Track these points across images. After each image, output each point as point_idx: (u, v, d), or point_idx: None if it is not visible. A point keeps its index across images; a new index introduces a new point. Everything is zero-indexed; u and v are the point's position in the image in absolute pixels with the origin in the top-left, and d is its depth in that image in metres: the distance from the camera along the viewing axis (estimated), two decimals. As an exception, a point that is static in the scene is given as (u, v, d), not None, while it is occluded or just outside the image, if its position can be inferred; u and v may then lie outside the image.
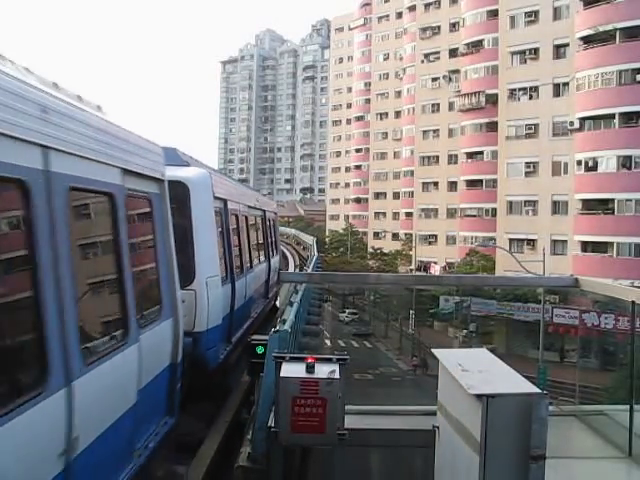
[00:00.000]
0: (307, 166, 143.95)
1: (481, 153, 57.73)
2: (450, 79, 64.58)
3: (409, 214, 72.12)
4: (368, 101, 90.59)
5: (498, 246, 46.23)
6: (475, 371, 4.84)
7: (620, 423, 6.19)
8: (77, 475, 3.57)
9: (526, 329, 39.19)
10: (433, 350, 5.68)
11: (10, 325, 3.19)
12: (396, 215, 79.00)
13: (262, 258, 14.13)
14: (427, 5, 70.04)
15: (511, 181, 50.03)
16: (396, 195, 79.70)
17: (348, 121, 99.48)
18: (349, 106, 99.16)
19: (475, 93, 57.90)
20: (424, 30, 69.13)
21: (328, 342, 25.80)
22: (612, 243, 41.15)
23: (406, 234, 72.39)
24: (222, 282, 8.85)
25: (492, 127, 54.26)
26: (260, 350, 7.69)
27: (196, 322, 7.78)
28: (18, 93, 3.29)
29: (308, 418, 5.17)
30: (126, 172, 4.86)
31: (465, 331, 42.43)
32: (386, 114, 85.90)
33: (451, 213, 63.22)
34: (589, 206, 42.76)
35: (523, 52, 50.29)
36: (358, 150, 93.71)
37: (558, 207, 47.14)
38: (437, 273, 57.08)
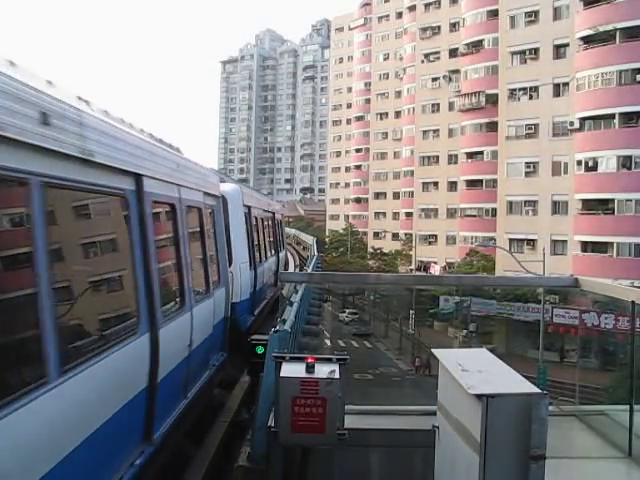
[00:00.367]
0: (307, 166, 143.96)
1: (481, 153, 57.73)
2: (450, 79, 64.59)
3: (409, 214, 72.12)
4: (368, 101, 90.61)
5: (498, 246, 46.23)
6: (475, 371, 4.84)
7: (620, 423, 6.19)
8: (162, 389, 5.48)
9: (526, 329, 39.24)
10: (433, 350, 5.69)
11: (131, 290, 5.11)
12: (396, 215, 79.00)
13: (273, 252, 17.27)
14: (427, 5, 70.05)
15: (511, 181, 50.04)
16: (396, 195, 79.71)
17: (348, 121, 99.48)
18: (349, 106, 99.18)
19: (475, 93, 57.91)
20: (424, 30, 69.14)
21: (328, 342, 25.82)
22: (612, 243, 41.15)
23: (406, 234, 72.39)
24: (249, 267, 11.70)
25: (492, 127, 54.26)
26: (260, 350, 7.70)
27: (233, 295, 9.74)
28: (136, 144, 5.39)
29: (308, 418, 5.17)
30: (205, 194, 8.01)
31: (465, 331, 42.46)
32: (386, 114, 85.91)
33: (451, 213, 63.23)
34: (589, 206, 42.76)
35: (523, 52, 50.30)
36: (358, 150, 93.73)
37: (558, 207, 47.14)
38: (437, 273, 57.07)
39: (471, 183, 58.51)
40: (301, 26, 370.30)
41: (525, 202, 49.48)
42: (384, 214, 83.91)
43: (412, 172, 70.90)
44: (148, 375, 5.17)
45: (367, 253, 77.19)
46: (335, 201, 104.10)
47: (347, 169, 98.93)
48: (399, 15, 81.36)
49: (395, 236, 76.77)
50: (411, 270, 64.71)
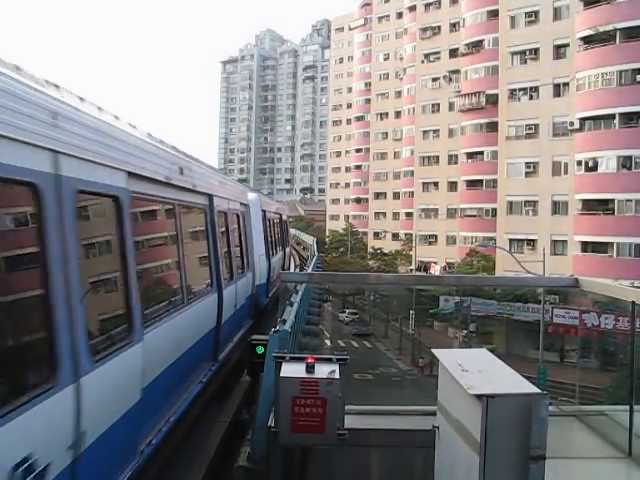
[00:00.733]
0: (307, 166, 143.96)
1: (481, 153, 57.72)
2: (450, 79, 64.58)
3: (409, 214, 72.11)
4: (368, 101, 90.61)
5: (498, 246, 46.22)
6: (475, 371, 4.84)
7: (620, 423, 6.19)
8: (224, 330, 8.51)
9: (526, 329, 39.22)
10: (433, 350, 5.69)
11: (209, 267, 8.23)
12: (396, 215, 79.00)
13: (280, 248, 20.03)
14: (427, 5, 70.03)
15: (511, 181, 50.03)
16: (396, 195, 79.71)
17: (348, 121, 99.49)
18: (349, 106, 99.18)
19: (475, 93, 57.90)
20: (424, 30, 69.13)
21: (328, 342, 25.81)
22: (612, 243, 41.14)
23: (406, 234, 72.39)
24: (268, 257, 15.00)
25: (492, 127, 54.26)
26: (260, 350, 7.71)
27: (254, 279, 12.54)
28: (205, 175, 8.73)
29: (308, 418, 5.17)
30: (240, 203, 11.57)
31: (465, 331, 42.44)
32: (386, 114, 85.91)
33: (451, 213, 63.21)
34: (589, 206, 42.75)
35: (523, 52, 50.29)
36: (358, 150, 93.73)
37: (558, 207, 47.14)
38: (437, 273, 57.06)
39: (471, 183, 58.51)
40: (301, 26, 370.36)
41: (525, 202, 49.47)
42: (384, 214, 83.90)
43: (412, 172, 70.89)
44: (216, 319, 8.29)
45: (367, 253, 77.19)
46: (335, 201, 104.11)
47: (347, 169, 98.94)
48: (399, 15, 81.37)
49: (395, 236, 76.78)
50: (411, 270, 64.71)
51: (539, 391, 4.49)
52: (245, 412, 8.88)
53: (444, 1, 68.04)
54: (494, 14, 54.47)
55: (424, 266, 64.05)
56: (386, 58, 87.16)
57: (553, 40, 47.85)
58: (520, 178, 49.39)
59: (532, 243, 48.03)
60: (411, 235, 69.35)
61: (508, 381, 4.75)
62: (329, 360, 5.40)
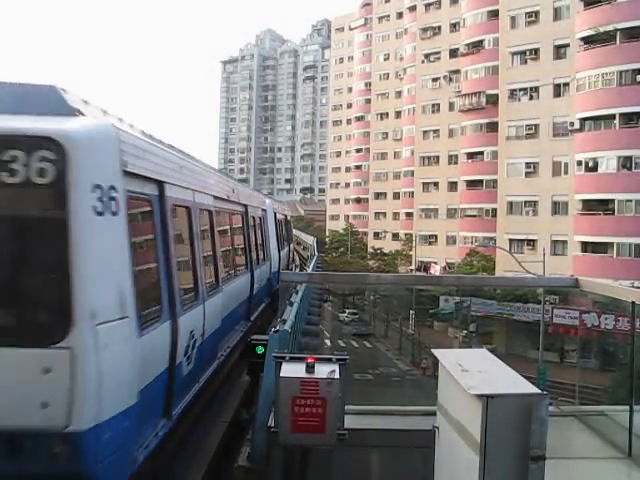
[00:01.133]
0: (307, 166, 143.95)
1: (481, 153, 57.71)
2: (450, 79, 64.58)
3: (409, 214, 72.11)
4: (368, 101, 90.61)
5: (498, 246, 46.22)
6: (475, 371, 4.84)
7: (620, 423, 6.19)
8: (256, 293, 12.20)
9: (526, 329, 39.21)
10: (433, 350, 5.69)
11: (245, 255, 11.63)
12: (396, 215, 79.00)
13: (286, 243, 22.75)
14: (427, 5, 70.02)
15: (511, 181, 50.03)
16: (396, 195, 79.71)
17: (348, 121, 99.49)
18: (349, 106, 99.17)
19: (475, 93, 57.89)
20: (424, 30, 69.13)
21: (328, 342, 25.83)
22: (612, 243, 41.13)
23: (406, 234, 72.38)
24: (279, 250, 17.78)
25: (492, 127, 54.25)
26: (260, 350, 7.71)
27: (271, 267, 15.32)
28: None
29: (308, 418, 5.17)
30: (262, 209, 15.14)
31: (465, 331, 42.44)
32: (386, 114, 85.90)
33: (451, 213, 63.20)
34: (589, 206, 42.74)
35: (523, 52, 50.29)
36: (358, 150, 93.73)
37: (558, 207, 47.13)
38: (437, 273, 57.07)
39: (471, 183, 58.50)
40: (301, 26, 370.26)
41: (525, 202, 49.47)
42: (384, 214, 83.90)
43: (412, 172, 70.89)
44: (249, 291, 11.39)
45: (367, 253, 77.20)
46: (335, 201, 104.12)
47: (347, 169, 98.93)
48: (399, 15, 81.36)
49: (395, 236, 76.77)
50: (411, 270, 64.69)
51: (539, 391, 4.49)
52: (245, 412, 8.87)
53: (444, 1, 68.01)
54: (494, 14, 54.47)
55: (424, 266, 64.05)
56: (386, 58, 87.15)
57: (553, 40, 47.84)
58: (520, 178, 49.38)
59: (532, 243, 48.03)
60: (411, 235, 69.35)
61: (508, 381, 4.75)
62: (329, 360, 5.39)
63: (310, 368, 5.24)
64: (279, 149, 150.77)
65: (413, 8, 72.74)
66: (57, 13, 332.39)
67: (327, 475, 5.86)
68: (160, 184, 5.74)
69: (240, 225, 11.50)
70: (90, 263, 4.23)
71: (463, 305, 43.25)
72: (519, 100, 50.72)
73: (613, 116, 41.39)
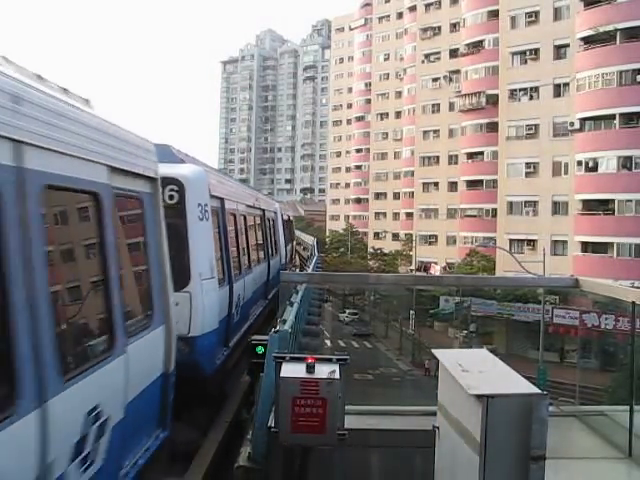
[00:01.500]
0: (307, 166, 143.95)
1: (481, 153, 57.70)
2: (450, 79, 64.57)
3: (409, 214, 72.09)
4: (368, 101, 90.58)
5: (498, 246, 46.22)
6: (475, 371, 4.84)
7: (620, 424, 6.19)
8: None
9: (526, 329, 39.20)
10: (433, 350, 5.68)
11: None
12: (396, 215, 78.99)
13: (289, 240, 26.00)
14: (428, 5, 70.00)
15: (511, 181, 50.02)
16: (396, 195, 79.69)
17: (348, 121, 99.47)
18: (349, 106, 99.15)
19: (475, 93, 57.88)
20: (425, 30, 69.11)
21: (328, 342, 25.79)
22: (612, 244, 41.13)
23: (406, 234, 72.36)
24: (285, 246, 20.91)
25: (492, 127, 54.24)
26: (260, 350, 7.71)
27: (280, 259, 18.22)
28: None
29: (308, 418, 5.17)
30: (274, 212, 18.92)
31: (465, 331, 42.44)
32: (386, 114, 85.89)
33: (451, 213, 63.17)
34: (589, 206, 42.74)
35: (524, 52, 50.28)
36: (358, 150, 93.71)
37: (558, 207, 47.13)
38: (437, 273, 57.06)
39: (471, 183, 58.49)
40: (301, 26, 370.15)
41: (525, 202, 49.46)
42: (384, 214, 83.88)
43: (412, 172, 70.86)
44: (267, 276, 14.61)
45: (367, 253, 77.18)
46: (335, 201, 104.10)
47: (347, 169, 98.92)
48: (399, 15, 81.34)
49: (395, 236, 76.74)
50: (411, 270, 64.67)
51: (539, 391, 4.49)
52: (245, 412, 8.88)
53: (444, 1, 68.00)
54: (494, 14, 54.46)
55: (424, 266, 64.03)
56: (386, 58, 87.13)
57: (553, 40, 47.84)
58: (520, 178, 49.37)
59: (532, 243, 48.02)
60: (411, 235, 69.34)
61: (508, 381, 4.75)
62: (329, 360, 5.39)
63: (310, 368, 5.24)
64: (279, 149, 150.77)
65: (413, 8, 72.72)
66: (58, 13, 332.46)
67: (327, 475, 5.86)
68: (222, 200, 9.56)
69: (260, 225, 15.09)
70: (197, 248, 7.86)
71: (463, 305, 43.25)
72: (519, 100, 50.71)
73: (613, 116, 41.39)
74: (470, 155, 59.21)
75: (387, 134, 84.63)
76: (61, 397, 3.33)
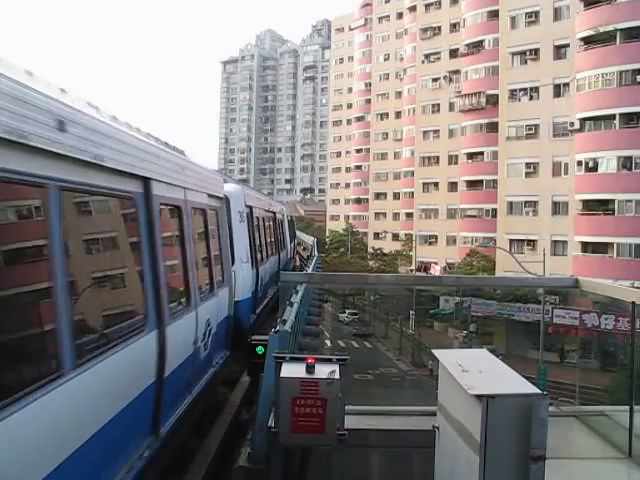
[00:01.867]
0: (307, 166, 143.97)
1: (481, 154, 57.71)
2: (450, 79, 64.58)
3: (409, 214, 72.10)
4: (368, 101, 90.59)
5: (498, 247, 46.22)
6: (475, 371, 4.83)
7: (620, 424, 6.19)
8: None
9: (526, 330, 39.16)
10: (433, 350, 5.68)
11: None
12: (396, 215, 78.99)
13: (292, 239, 28.34)
14: (428, 5, 70.03)
15: (511, 181, 50.04)
16: (396, 195, 79.70)
17: (348, 121, 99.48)
18: (349, 106, 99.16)
19: (475, 94, 57.90)
20: (425, 30, 69.14)
21: (328, 342, 25.81)
22: (612, 244, 41.15)
23: (406, 234, 72.37)
24: (289, 243, 24.73)
25: (492, 128, 54.26)
26: (260, 350, 7.72)
27: (287, 254, 21.82)
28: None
29: (308, 418, 5.16)
30: (282, 214, 23.17)
31: (465, 331, 42.42)
32: (386, 114, 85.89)
33: (451, 214, 63.19)
34: (589, 207, 42.76)
35: (524, 53, 50.31)
36: (358, 150, 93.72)
37: (558, 208, 47.14)
38: (437, 274, 57.06)
39: (471, 184, 58.50)
40: (301, 26, 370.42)
41: (525, 203, 49.48)
42: (384, 214, 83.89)
43: (412, 172, 70.87)
44: (277, 267, 17.93)
45: (367, 253, 77.18)
46: (335, 201, 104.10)
47: (347, 169, 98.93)
48: (399, 15, 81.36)
49: (395, 236, 76.74)
50: (411, 270, 64.68)
51: (539, 391, 4.49)
52: (245, 412, 8.87)
53: (444, 1, 68.03)
54: (494, 14, 54.48)
55: (424, 266, 64.03)
56: (386, 58, 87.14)
57: (553, 40, 47.86)
58: (520, 178, 49.39)
59: (532, 243, 48.03)
60: (411, 235, 69.34)
61: (508, 381, 4.75)
62: (329, 360, 5.38)
63: (310, 368, 5.24)
64: (279, 149, 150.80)
65: (413, 8, 72.74)
66: (58, 13, 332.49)
67: (327, 475, 5.85)
68: (251, 207, 13.02)
69: (272, 225, 18.26)
70: (238, 241, 10.94)
71: (463, 305, 43.23)
72: (519, 100, 50.74)
73: (613, 116, 41.42)
74: (470, 155, 59.22)
75: (387, 134, 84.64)
76: (202, 306, 6.84)
